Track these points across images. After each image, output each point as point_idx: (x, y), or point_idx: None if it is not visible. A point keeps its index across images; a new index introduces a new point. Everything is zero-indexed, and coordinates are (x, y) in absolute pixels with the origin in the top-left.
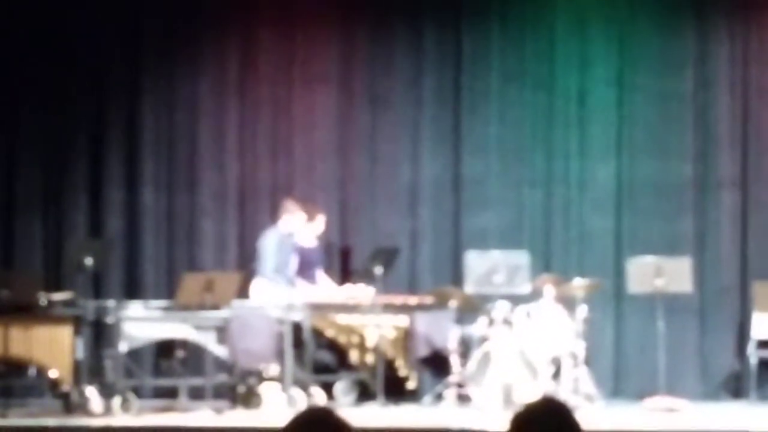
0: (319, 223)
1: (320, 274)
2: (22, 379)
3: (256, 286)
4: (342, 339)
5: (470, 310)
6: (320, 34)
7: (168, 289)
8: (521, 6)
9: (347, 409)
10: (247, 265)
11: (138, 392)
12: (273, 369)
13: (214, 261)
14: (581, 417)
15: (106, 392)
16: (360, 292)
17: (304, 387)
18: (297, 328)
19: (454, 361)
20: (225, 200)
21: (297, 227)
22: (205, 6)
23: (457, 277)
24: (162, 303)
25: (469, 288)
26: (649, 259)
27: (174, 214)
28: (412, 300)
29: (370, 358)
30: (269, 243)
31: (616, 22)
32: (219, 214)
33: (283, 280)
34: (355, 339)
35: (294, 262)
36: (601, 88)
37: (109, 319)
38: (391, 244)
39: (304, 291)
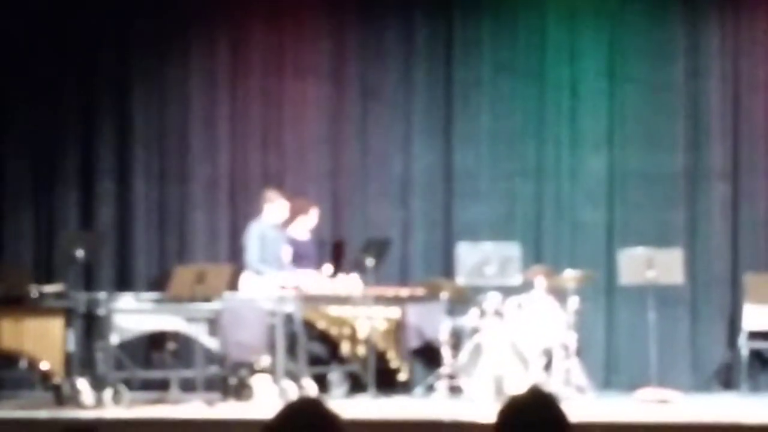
0: (313, 216)
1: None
2: (12, 371)
3: (244, 278)
4: (333, 331)
5: (461, 301)
6: (310, 26)
7: (159, 281)
8: None
9: (339, 401)
10: (238, 256)
11: (129, 384)
12: (264, 361)
13: (206, 252)
14: (571, 408)
15: (98, 384)
16: (351, 282)
17: (296, 379)
18: (288, 320)
19: (446, 352)
20: (216, 192)
21: (280, 216)
22: None
23: (448, 268)
24: (153, 295)
25: (461, 279)
26: (640, 251)
27: (165, 205)
28: (404, 292)
29: (361, 350)
30: (251, 235)
31: (606, 13)
32: (210, 206)
33: (271, 270)
34: (346, 331)
35: (287, 252)
36: (591, 79)
37: (101, 311)
38: (383, 236)
39: (293, 278)
